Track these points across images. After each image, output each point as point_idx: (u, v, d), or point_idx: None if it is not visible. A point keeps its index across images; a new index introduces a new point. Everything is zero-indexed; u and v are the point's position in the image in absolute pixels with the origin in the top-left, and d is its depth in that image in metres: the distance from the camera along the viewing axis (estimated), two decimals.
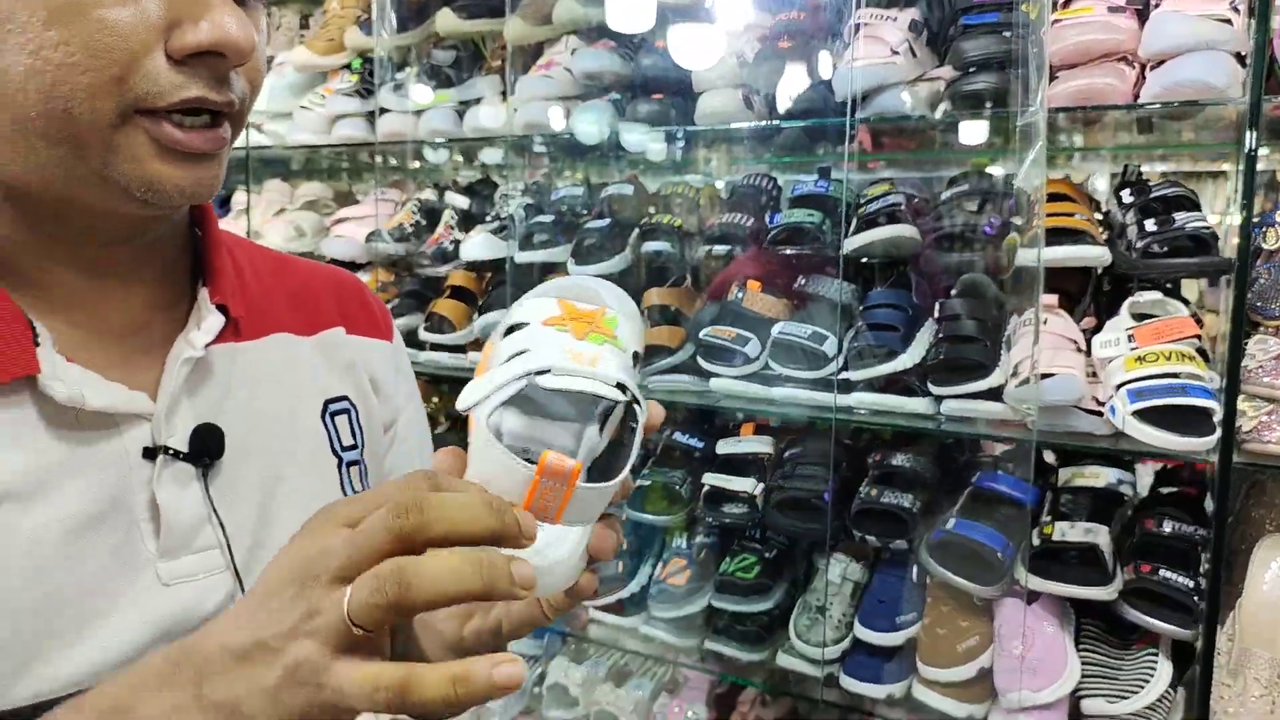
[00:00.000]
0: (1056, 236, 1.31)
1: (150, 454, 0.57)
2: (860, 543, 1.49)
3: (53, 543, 0.53)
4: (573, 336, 0.44)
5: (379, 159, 1.88)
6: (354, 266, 2.07)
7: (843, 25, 1.42)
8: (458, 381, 2.00)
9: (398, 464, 0.76)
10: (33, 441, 0.53)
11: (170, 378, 0.58)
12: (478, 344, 1.84)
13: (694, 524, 1.67)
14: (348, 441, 0.69)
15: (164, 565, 0.57)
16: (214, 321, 0.61)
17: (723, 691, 1.73)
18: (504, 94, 1.80)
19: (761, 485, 1.57)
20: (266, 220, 2.12)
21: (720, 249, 1.57)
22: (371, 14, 1.92)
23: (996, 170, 1.51)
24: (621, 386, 0.47)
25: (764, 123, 1.49)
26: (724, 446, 1.64)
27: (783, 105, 1.46)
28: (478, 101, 1.77)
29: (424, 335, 1.85)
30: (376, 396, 0.73)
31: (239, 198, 2.23)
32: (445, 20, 1.74)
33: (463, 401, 0.48)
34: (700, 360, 1.53)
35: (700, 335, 1.53)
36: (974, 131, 1.48)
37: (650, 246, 1.63)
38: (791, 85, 1.45)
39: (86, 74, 0.48)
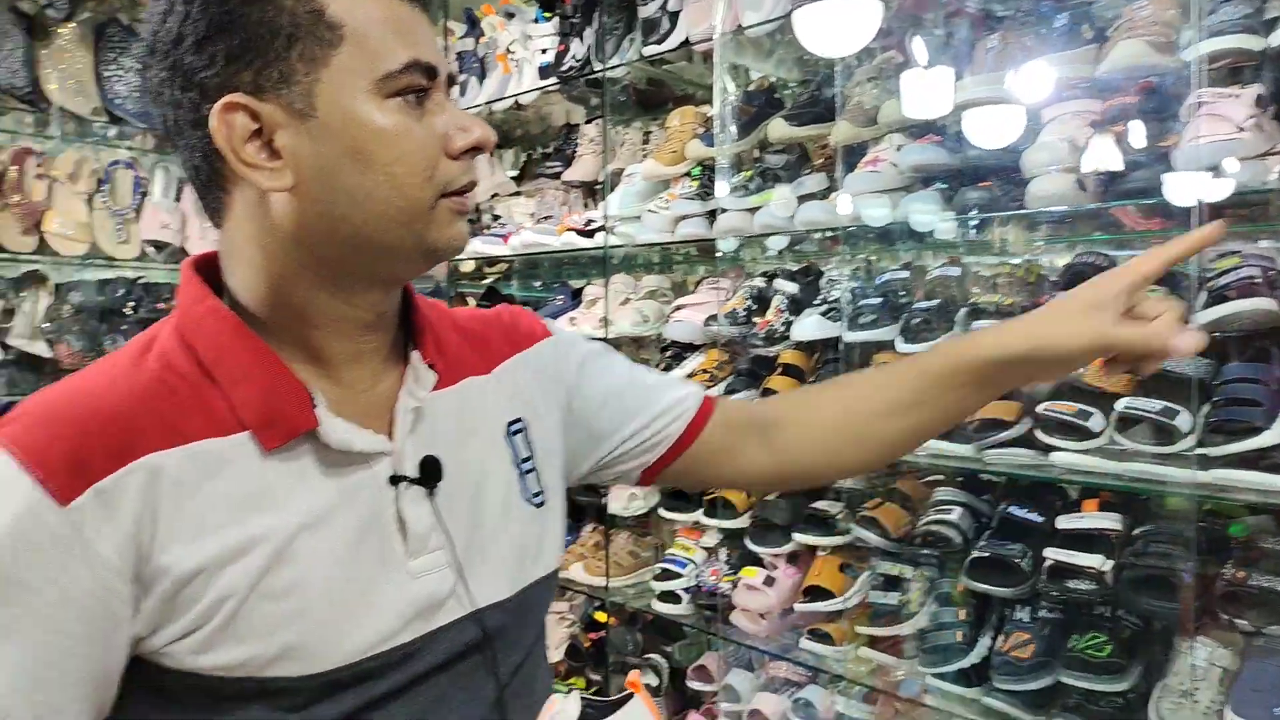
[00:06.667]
0: None
1: (393, 481, 0.74)
2: (1229, 626, 1.43)
3: (338, 553, 0.71)
4: None
5: (719, 250, 2.09)
6: (692, 348, 2.30)
7: (1180, 105, 1.42)
8: None
9: (603, 383, 0.93)
10: (313, 482, 0.71)
11: (401, 423, 0.75)
12: None
13: (1036, 597, 1.67)
14: (524, 454, 0.85)
15: (412, 563, 0.74)
16: (429, 378, 0.78)
17: None
18: (829, 190, 1.96)
19: (1111, 562, 1.56)
20: (615, 309, 2.42)
21: None
22: (708, 128, 2.17)
23: None
24: None
25: (1098, 205, 1.51)
26: (1065, 521, 1.64)
27: (1117, 185, 1.48)
28: (808, 197, 1.94)
29: None
30: (548, 383, 0.90)
31: (590, 290, 2.56)
32: (777, 128, 1.93)
33: None
34: (1039, 434, 1.56)
35: (1038, 409, 1.56)
36: None
37: (980, 323, 1.69)
38: (1126, 165, 1.47)
39: (415, 176, 0.69)
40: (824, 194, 1.94)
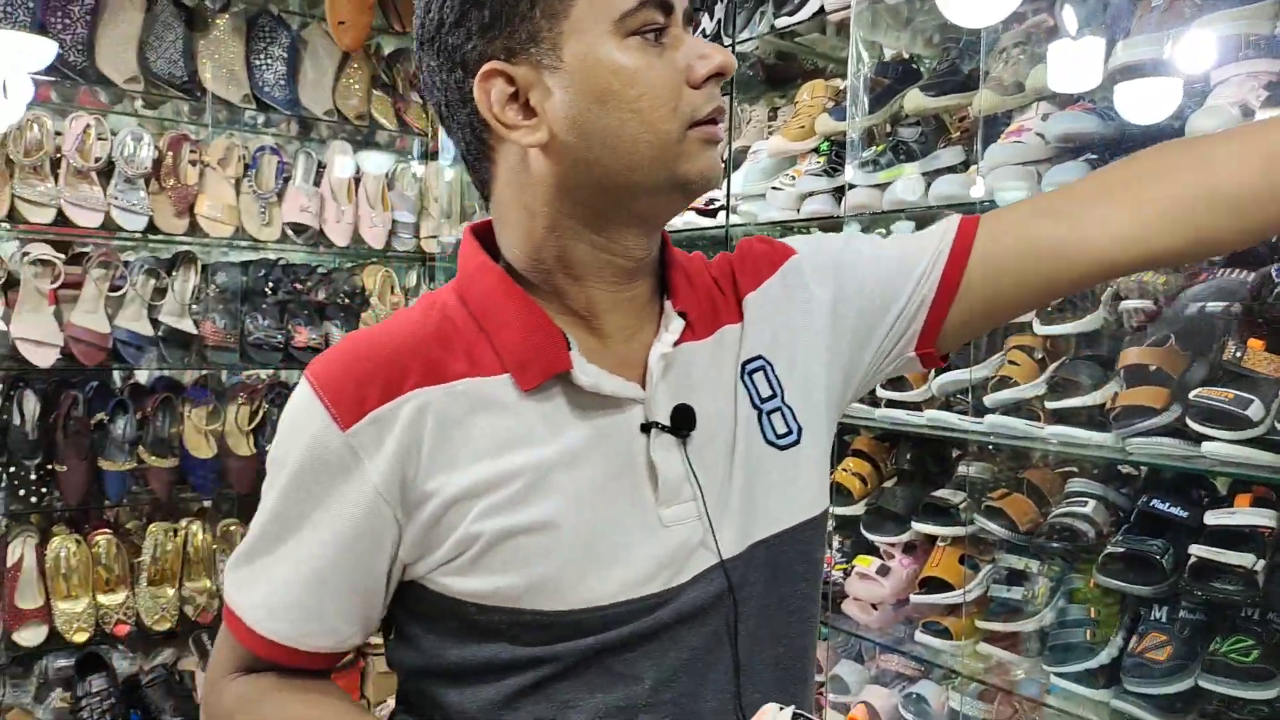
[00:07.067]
0: None
1: (645, 428, 0.76)
2: None
3: (589, 495, 0.73)
4: None
5: (846, 227, 2.04)
6: None
7: None
8: (910, 439, 2.07)
9: (859, 274, 0.87)
10: (567, 423, 0.74)
11: (654, 370, 0.77)
12: (933, 401, 1.91)
13: (1176, 597, 1.56)
14: (765, 393, 0.83)
15: (663, 511, 0.75)
16: (678, 325, 0.79)
17: None
18: (965, 163, 1.89)
19: (1262, 561, 1.44)
20: None
21: (1214, 305, 1.49)
22: (838, 101, 2.12)
23: None
24: None
25: None
26: (1214, 517, 1.53)
27: None
28: (943, 171, 1.87)
29: (880, 392, 1.96)
30: (798, 297, 0.86)
31: None
32: (913, 100, 1.87)
33: None
34: (1190, 422, 1.46)
35: (1191, 396, 1.46)
36: None
37: (1128, 304, 1.60)
38: None
39: (660, 110, 0.71)
40: (961, 168, 1.87)
